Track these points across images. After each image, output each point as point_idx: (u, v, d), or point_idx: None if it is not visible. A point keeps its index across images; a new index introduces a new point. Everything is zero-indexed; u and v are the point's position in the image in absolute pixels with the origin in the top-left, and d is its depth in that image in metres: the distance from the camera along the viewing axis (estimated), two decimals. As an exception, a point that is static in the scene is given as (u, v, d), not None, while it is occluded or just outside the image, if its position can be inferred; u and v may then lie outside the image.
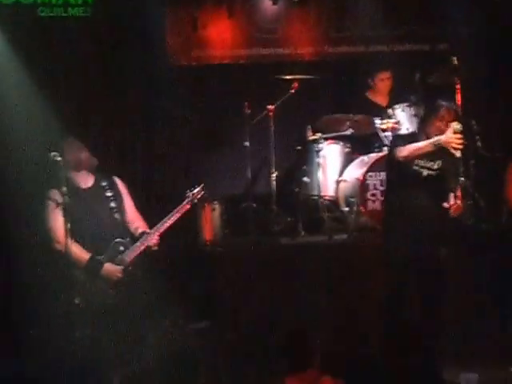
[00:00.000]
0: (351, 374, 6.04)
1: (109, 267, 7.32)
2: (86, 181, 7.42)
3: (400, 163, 7.27)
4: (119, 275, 7.36)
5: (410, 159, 7.28)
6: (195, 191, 7.64)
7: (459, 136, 7.13)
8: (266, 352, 7.54)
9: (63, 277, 7.26)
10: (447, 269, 7.51)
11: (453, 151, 7.22)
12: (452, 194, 7.65)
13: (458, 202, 7.73)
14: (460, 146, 7.23)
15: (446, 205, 7.59)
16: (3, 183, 8.19)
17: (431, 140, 7.17)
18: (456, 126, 7.15)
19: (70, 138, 7.48)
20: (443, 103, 7.32)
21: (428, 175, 7.44)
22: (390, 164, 7.56)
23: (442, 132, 7.20)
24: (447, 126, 7.18)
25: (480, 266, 8.32)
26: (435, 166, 7.40)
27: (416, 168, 7.36)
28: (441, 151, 7.26)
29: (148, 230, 7.51)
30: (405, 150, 7.28)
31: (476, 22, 9.74)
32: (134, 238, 7.51)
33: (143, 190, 8.84)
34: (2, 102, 8.24)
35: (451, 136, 7.11)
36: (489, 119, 9.67)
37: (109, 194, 7.50)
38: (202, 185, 7.73)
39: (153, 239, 7.45)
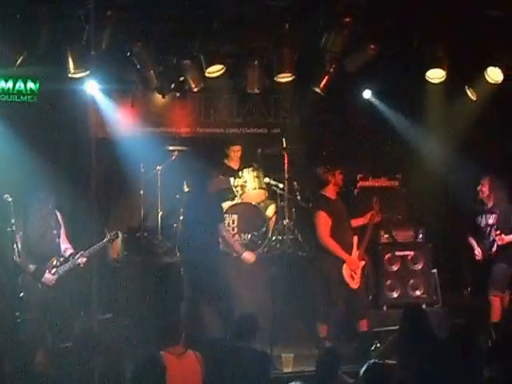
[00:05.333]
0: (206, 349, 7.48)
1: (47, 275, 8.85)
2: (42, 213, 8.88)
3: None
4: (54, 282, 8.83)
5: None
6: (112, 233, 9.18)
7: None
8: (151, 333, 8.70)
9: (16, 279, 8.83)
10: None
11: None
12: None
13: None
14: None
15: None
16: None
17: None
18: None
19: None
20: None
21: None
22: None
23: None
24: None
25: (296, 278, 10.26)
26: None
27: None
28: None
29: (76, 253, 8.91)
30: None
31: (299, 114, 11.99)
32: (65, 257, 8.97)
33: (74, 224, 9.62)
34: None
35: None
36: (304, 181, 11.31)
37: (52, 224, 9.01)
38: (117, 231, 9.25)
39: (82, 260, 8.91)
